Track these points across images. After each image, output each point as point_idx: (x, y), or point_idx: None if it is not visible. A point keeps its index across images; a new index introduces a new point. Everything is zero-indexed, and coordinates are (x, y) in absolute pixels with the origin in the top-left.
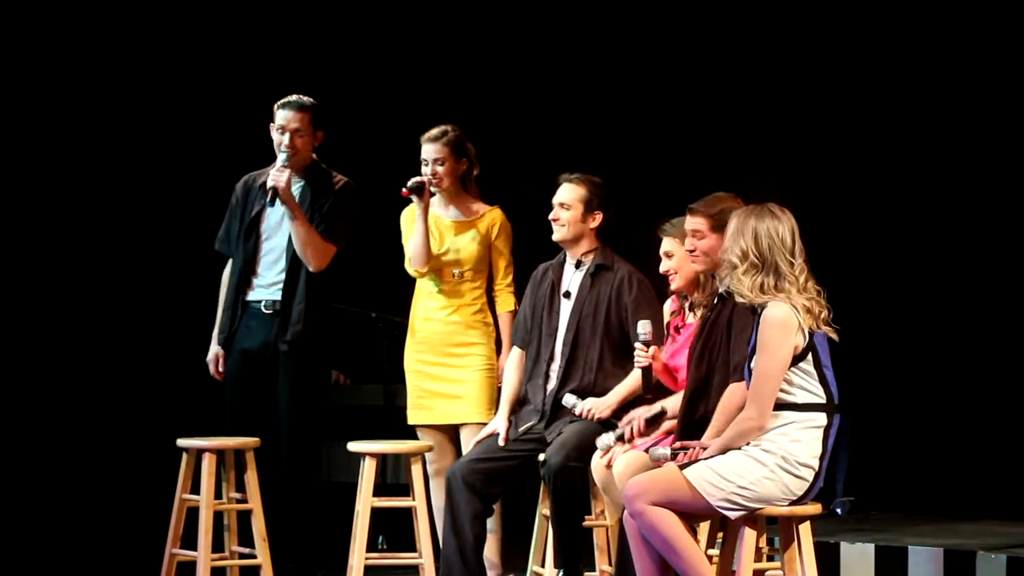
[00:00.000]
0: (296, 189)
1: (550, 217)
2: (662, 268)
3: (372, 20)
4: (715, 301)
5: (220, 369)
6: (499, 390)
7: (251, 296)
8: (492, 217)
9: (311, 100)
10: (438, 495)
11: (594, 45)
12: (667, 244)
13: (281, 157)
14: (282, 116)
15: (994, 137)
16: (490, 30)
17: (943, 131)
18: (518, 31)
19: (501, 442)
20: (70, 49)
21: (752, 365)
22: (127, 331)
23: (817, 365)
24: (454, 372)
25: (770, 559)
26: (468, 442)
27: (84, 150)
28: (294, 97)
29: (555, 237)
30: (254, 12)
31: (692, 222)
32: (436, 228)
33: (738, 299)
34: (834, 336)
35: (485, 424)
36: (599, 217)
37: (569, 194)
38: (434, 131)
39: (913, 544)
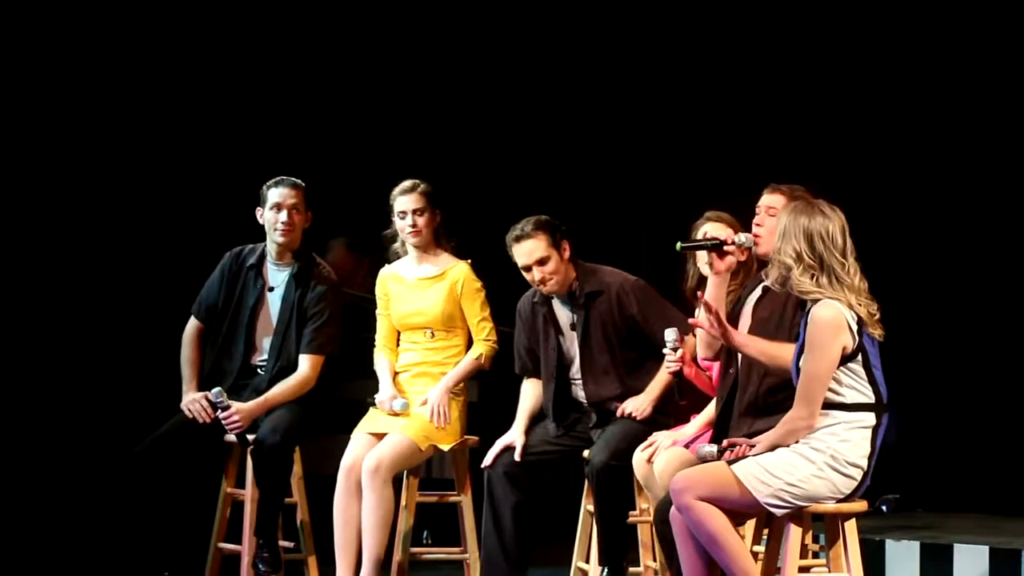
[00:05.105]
0: (283, 276)
1: (535, 280)
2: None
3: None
4: (760, 292)
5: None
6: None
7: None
8: (456, 274)
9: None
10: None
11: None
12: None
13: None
14: (278, 194)
15: None
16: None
17: (979, 120)
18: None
19: (517, 457)
20: (69, 53)
21: (800, 364)
22: (170, 325)
23: (866, 365)
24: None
25: (815, 556)
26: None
27: (81, 153)
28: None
29: (550, 291)
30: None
31: (771, 199)
32: (402, 287)
33: (800, 296)
34: (879, 335)
35: (419, 450)
36: (567, 247)
37: (537, 249)
38: (407, 183)
39: (959, 542)
